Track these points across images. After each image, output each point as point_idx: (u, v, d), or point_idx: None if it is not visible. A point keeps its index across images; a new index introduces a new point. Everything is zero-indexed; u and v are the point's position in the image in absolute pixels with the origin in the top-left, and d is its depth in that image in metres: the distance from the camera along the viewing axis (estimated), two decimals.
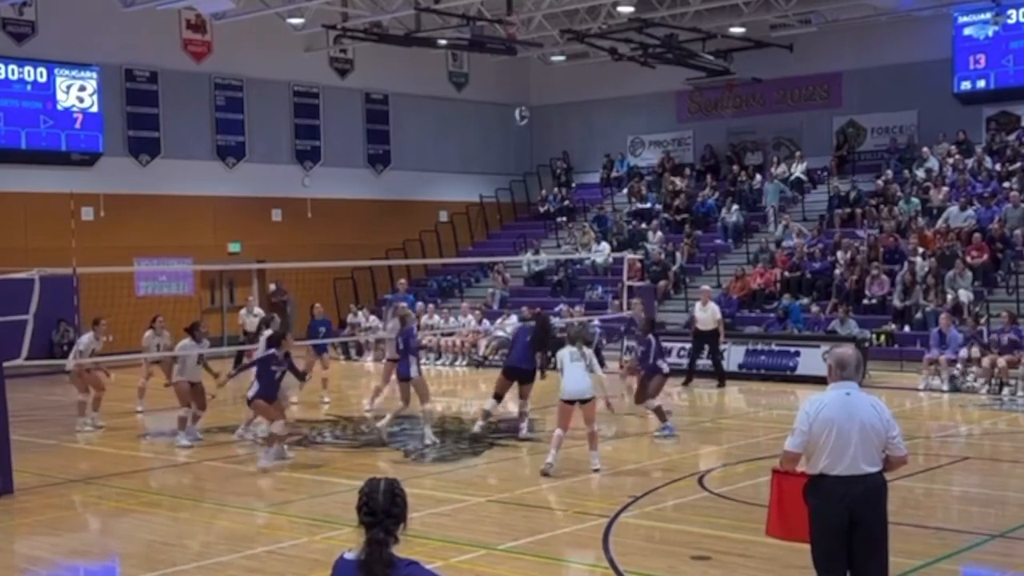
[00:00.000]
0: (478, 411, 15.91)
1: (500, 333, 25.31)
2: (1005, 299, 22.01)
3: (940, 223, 24.67)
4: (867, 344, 20.53)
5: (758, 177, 30.48)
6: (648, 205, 31.12)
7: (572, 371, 12.42)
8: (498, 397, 15.29)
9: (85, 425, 16.64)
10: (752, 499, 11.12)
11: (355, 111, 32.25)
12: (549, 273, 29.40)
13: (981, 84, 27.98)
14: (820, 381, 6.86)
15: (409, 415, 15.61)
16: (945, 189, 26.05)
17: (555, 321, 20.93)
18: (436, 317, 26.63)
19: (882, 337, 21.88)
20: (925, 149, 27.96)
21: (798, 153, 30.35)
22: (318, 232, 29.94)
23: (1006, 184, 25.55)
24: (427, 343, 25.72)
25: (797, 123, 31.29)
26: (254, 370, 13.66)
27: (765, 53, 29.86)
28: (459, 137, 34.11)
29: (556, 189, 34.14)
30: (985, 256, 22.85)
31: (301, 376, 14.70)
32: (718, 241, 28.61)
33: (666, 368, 15.43)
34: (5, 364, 12.64)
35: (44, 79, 26.20)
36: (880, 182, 27.73)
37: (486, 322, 25.90)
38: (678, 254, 27.71)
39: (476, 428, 15.17)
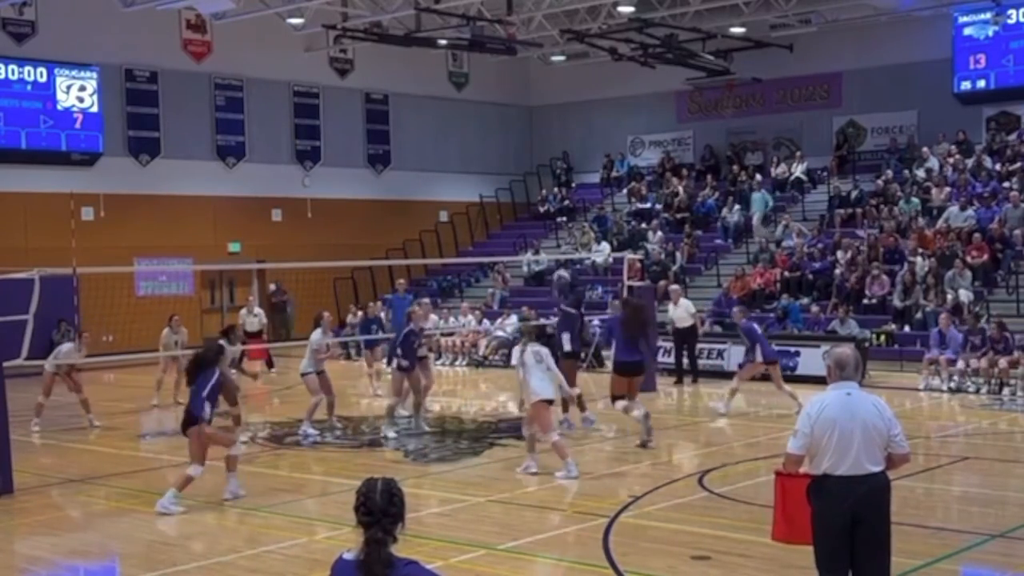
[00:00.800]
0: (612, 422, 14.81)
1: (500, 333, 25.33)
2: (1005, 299, 22.02)
3: (940, 223, 24.67)
4: (867, 344, 20.53)
5: (758, 177, 30.48)
6: (648, 205, 31.12)
7: (540, 371, 12.41)
8: (617, 399, 14.28)
9: (36, 426, 16.68)
10: (752, 499, 11.12)
11: (355, 111, 32.24)
12: (549, 273, 29.36)
13: (981, 84, 27.97)
14: (820, 381, 6.87)
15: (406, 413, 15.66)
16: (946, 189, 26.05)
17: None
18: (435, 317, 26.58)
19: (882, 337, 21.88)
20: (925, 149, 27.95)
21: (798, 153, 30.35)
22: (318, 232, 29.94)
23: (1006, 184, 25.56)
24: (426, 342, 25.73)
25: (797, 123, 31.29)
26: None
27: (765, 53, 29.86)
28: (459, 137, 34.11)
29: (556, 189, 34.14)
30: (985, 256, 22.84)
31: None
32: (718, 241, 28.61)
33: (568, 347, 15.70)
34: (5, 364, 12.65)
35: (44, 79, 26.20)
36: (880, 182, 27.73)
37: (486, 322, 25.91)
38: (678, 254, 27.70)
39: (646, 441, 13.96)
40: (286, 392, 21.51)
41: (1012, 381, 18.30)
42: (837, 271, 24.07)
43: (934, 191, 26.21)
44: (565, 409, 15.48)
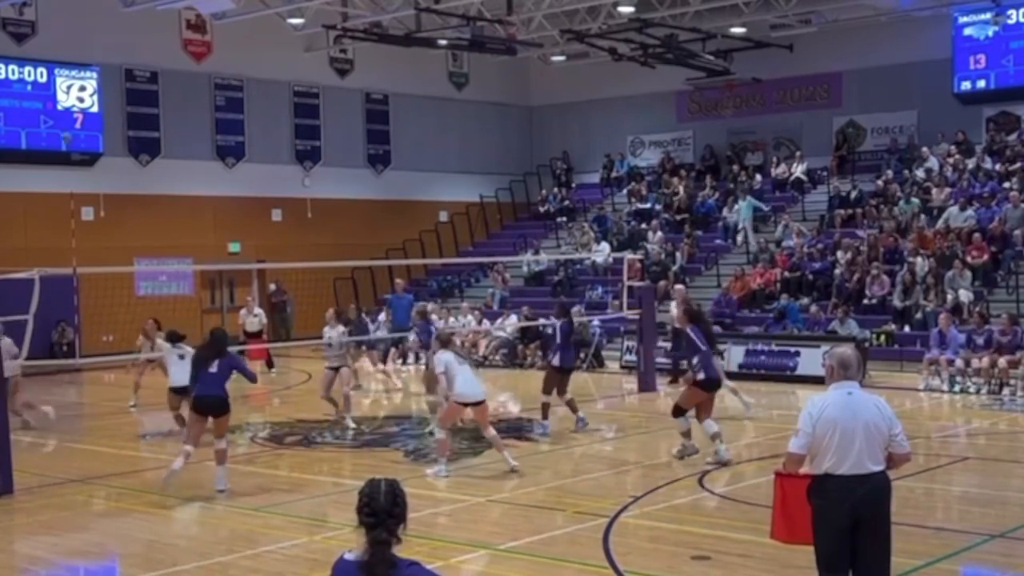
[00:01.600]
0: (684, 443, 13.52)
1: (500, 333, 25.33)
2: (1005, 299, 22.01)
3: (940, 223, 24.66)
4: (867, 344, 20.53)
5: (758, 177, 30.48)
6: (648, 205, 31.11)
7: (464, 373, 12.42)
8: (682, 412, 13.20)
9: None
10: (752, 499, 11.12)
11: (355, 111, 32.24)
12: (549, 273, 29.39)
13: (981, 84, 27.97)
14: (820, 381, 6.87)
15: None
16: (946, 189, 26.05)
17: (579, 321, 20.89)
18: (435, 317, 26.57)
19: (882, 337, 21.87)
20: (925, 149, 27.95)
21: (798, 153, 30.35)
22: (318, 232, 29.94)
23: (1006, 184, 25.55)
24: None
25: (797, 123, 31.29)
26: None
27: (765, 53, 29.86)
28: (459, 137, 34.11)
29: (556, 189, 34.14)
30: (985, 256, 22.84)
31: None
32: (718, 241, 28.61)
33: (554, 360, 15.59)
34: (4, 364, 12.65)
35: (44, 79, 26.20)
36: (880, 182, 27.73)
37: (486, 322, 25.91)
38: (678, 254, 27.70)
39: (720, 455, 12.92)
40: (286, 392, 21.52)
41: (1012, 381, 18.29)
42: (837, 271, 24.06)
43: (934, 191, 26.20)
44: (574, 409, 15.44)
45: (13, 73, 25.79)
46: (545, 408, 15.42)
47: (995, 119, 28.07)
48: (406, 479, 11.46)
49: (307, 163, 31.25)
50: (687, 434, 13.08)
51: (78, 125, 26.70)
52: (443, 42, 28.52)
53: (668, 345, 21.40)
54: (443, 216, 33.39)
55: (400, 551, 4.26)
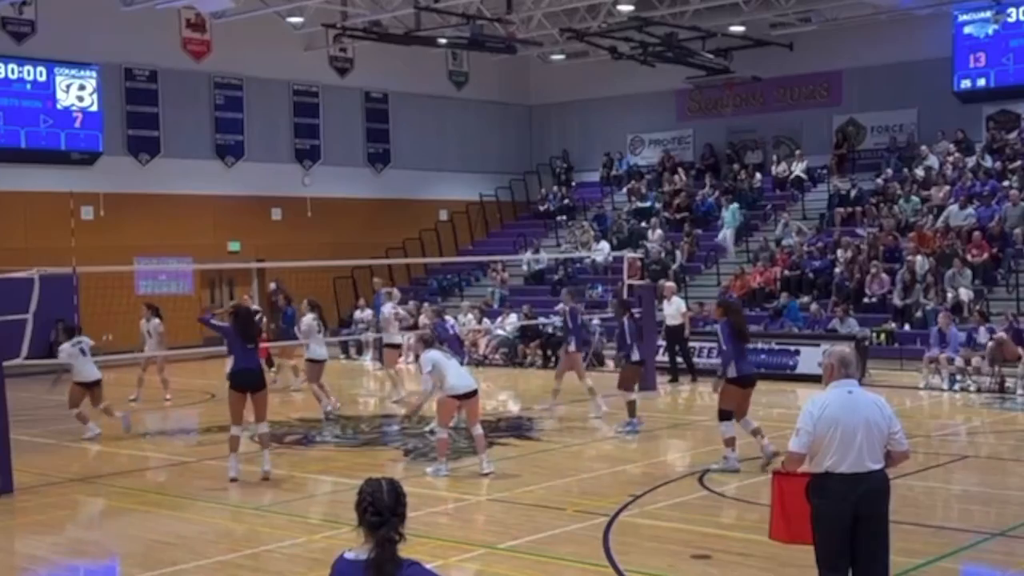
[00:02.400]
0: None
1: (500, 332, 25.33)
2: (1005, 297, 22.01)
3: (940, 222, 24.66)
4: (867, 343, 20.53)
5: (758, 175, 30.48)
6: (648, 204, 31.10)
7: (453, 366, 12.43)
8: (729, 415, 12.63)
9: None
10: (752, 498, 11.12)
11: (355, 110, 32.23)
12: (549, 272, 29.39)
13: (981, 82, 27.96)
14: (820, 380, 6.85)
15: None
16: (946, 188, 26.04)
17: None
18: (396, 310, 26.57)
19: (882, 336, 21.88)
20: (924, 147, 27.95)
21: (798, 152, 30.34)
22: (318, 231, 29.93)
23: (1006, 182, 25.55)
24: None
25: (797, 122, 31.29)
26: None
27: (765, 52, 29.85)
28: (459, 136, 34.10)
29: (556, 188, 34.13)
30: (985, 254, 22.84)
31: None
32: (718, 240, 28.60)
33: (636, 356, 15.41)
34: (5, 364, 12.64)
35: (44, 78, 26.19)
36: (880, 181, 27.72)
37: (486, 321, 25.90)
38: (678, 252, 27.69)
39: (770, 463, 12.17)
40: (285, 391, 21.48)
41: (1011, 380, 18.27)
42: (837, 270, 24.06)
43: (933, 190, 26.20)
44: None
45: (13, 72, 25.79)
46: (632, 406, 15.18)
47: (995, 117, 28.06)
48: (405, 478, 11.47)
49: (307, 162, 31.24)
50: (731, 443, 12.51)
51: (77, 124, 26.70)
52: (443, 41, 28.51)
53: (663, 344, 21.43)
54: (443, 215, 33.39)
55: (400, 551, 4.26)
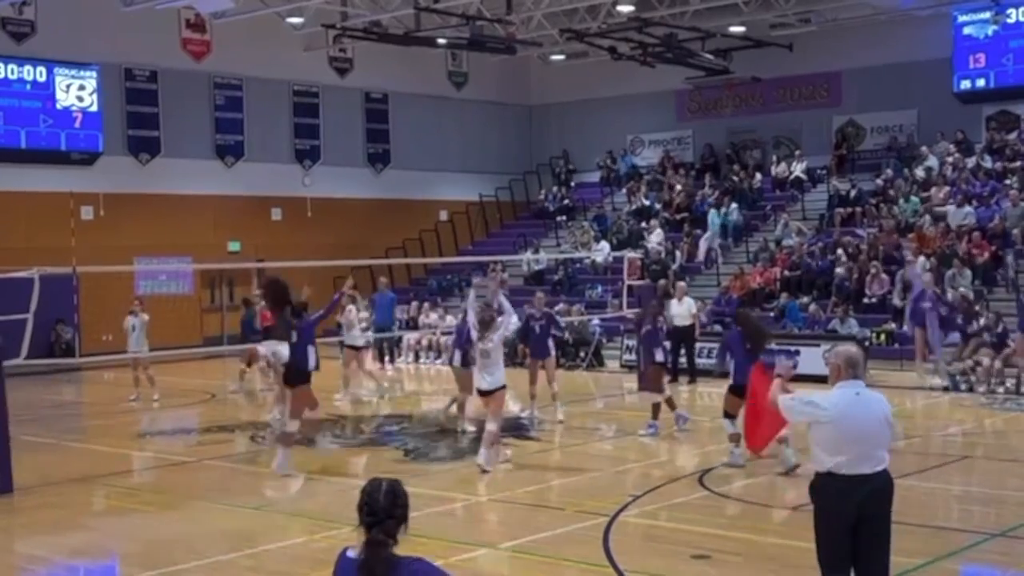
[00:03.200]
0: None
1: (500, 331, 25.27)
2: (1005, 297, 22.00)
3: (940, 222, 24.65)
4: (867, 343, 20.53)
5: (758, 176, 30.49)
6: (648, 204, 31.10)
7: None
8: (731, 416, 12.83)
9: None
10: (753, 498, 11.13)
11: (355, 110, 32.23)
12: (549, 272, 29.39)
13: (981, 83, 27.96)
14: (820, 380, 6.86)
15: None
16: (945, 188, 26.05)
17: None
18: (434, 315, 26.60)
19: (882, 336, 21.88)
20: (924, 148, 27.96)
21: (797, 152, 30.34)
22: (318, 231, 29.92)
23: (1007, 182, 25.56)
24: (426, 342, 25.75)
25: (797, 122, 31.28)
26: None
27: (765, 52, 29.85)
28: (459, 136, 34.10)
29: (556, 188, 34.13)
30: (986, 254, 22.83)
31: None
32: (718, 240, 28.58)
33: (659, 357, 15.17)
34: (5, 363, 12.64)
35: (44, 78, 26.18)
36: (880, 181, 27.73)
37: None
38: (677, 252, 27.68)
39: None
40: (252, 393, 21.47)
41: (1008, 381, 18.25)
42: (838, 270, 24.06)
43: (933, 190, 26.21)
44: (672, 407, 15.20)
45: (12, 72, 25.78)
46: (671, 402, 15.10)
47: (995, 118, 28.06)
48: (407, 478, 11.47)
49: (307, 162, 31.24)
50: (734, 438, 12.63)
51: (77, 124, 26.70)
52: (442, 41, 28.51)
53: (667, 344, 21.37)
54: (443, 215, 33.38)
55: (400, 551, 4.26)
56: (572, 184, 34.65)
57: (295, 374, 12.86)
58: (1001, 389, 18.24)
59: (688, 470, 12.84)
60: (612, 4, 27.04)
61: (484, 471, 12.47)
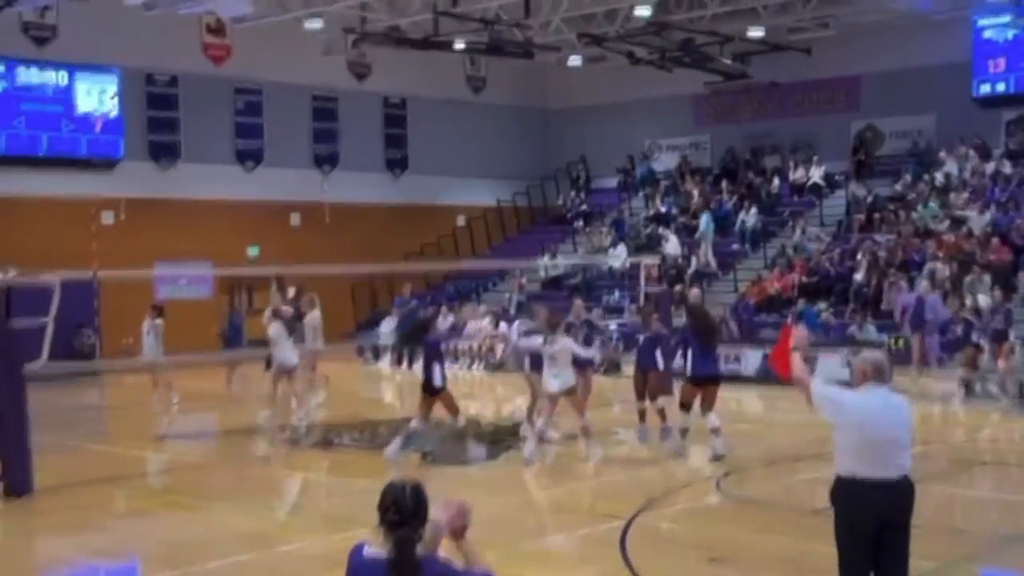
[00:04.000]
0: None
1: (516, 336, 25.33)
2: None
3: (961, 227, 24.54)
4: (888, 350, 20.45)
5: (776, 181, 30.43)
6: (665, 209, 31.07)
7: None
8: (686, 407, 13.77)
9: None
10: (770, 502, 11.13)
11: (373, 115, 32.33)
12: (566, 277, 29.40)
13: (1000, 87, 27.84)
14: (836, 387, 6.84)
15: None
16: (964, 194, 25.94)
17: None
18: (451, 319, 26.64)
19: (900, 342, 21.79)
20: (942, 153, 27.87)
21: (815, 157, 30.26)
22: (336, 236, 29.99)
23: None
24: (444, 347, 25.78)
25: (815, 127, 31.19)
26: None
27: (783, 56, 29.80)
28: (477, 141, 34.14)
29: (573, 193, 34.14)
30: (1007, 258, 22.70)
31: None
32: (736, 246, 28.56)
33: (661, 364, 15.05)
34: (26, 367, 12.75)
35: (65, 83, 26.35)
36: (898, 187, 27.63)
37: (503, 326, 25.90)
38: (693, 258, 27.63)
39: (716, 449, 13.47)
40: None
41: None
42: (856, 276, 23.97)
43: (952, 195, 26.11)
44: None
45: (34, 77, 25.95)
46: (663, 413, 14.80)
47: (1015, 122, 27.93)
48: (422, 481, 11.50)
49: (325, 167, 31.35)
50: (684, 433, 13.73)
51: (98, 129, 26.85)
52: (461, 46, 28.56)
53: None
54: (461, 220, 33.43)
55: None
56: (590, 189, 34.64)
57: (427, 388, 13.69)
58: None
59: (706, 473, 12.83)
60: (630, 8, 27.04)
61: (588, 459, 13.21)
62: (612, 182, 34.17)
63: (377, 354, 27.22)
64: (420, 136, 33.05)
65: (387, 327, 26.97)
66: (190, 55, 28.33)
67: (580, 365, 13.96)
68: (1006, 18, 27.24)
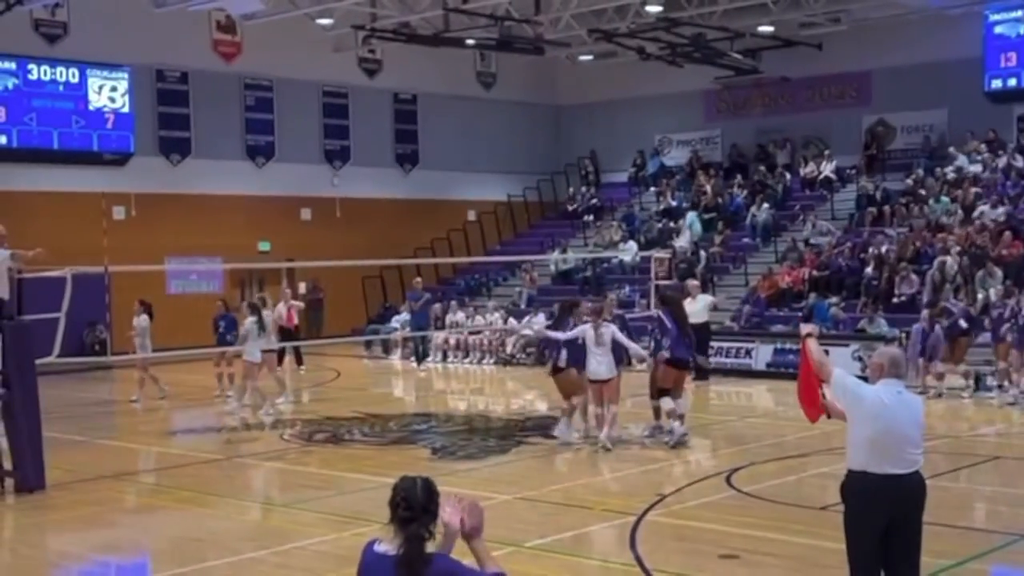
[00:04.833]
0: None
1: (527, 332, 25.32)
2: None
3: (971, 221, 24.46)
4: (898, 344, 20.39)
5: (787, 175, 30.37)
6: (676, 203, 31.03)
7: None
8: (667, 392, 14.23)
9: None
10: (780, 497, 11.11)
11: (384, 111, 32.35)
12: (577, 271, 29.38)
13: (1012, 83, 27.73)
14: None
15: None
16: (975, 189, 25.85)
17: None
18: (461, 315, 26.67)
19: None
20: (951, 149, 27.79)
21: (827, 152, 30.20)
22: (347, 231, 30.05)
23: None
24: (454, 341, 25.82)
25: (826, 122, 31.12)
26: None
27: (794, 52, 29.73)
28: (487, 136, 34.14)
29: (584, 188, 34.13)
30: (1017, 252, 22.60)
31: None
32: (746, 240, 28.52)
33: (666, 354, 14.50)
34: (38, 362, 12.80)
35: (76, 79, 26.42)
36: (910, 181, 27.56)
37: (512, 320, 25.92)
38: (702, 253, 27.56)
39: (675, 432, 14.04)
40: (315, 389, 21.63)
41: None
42: (867, 270, 23.92)
43: (963, 190, 26.02)
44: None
45: (45, 74, 26.03)
46: (656, 410, 14.75)
47: None
48: (432, 476, 11.51)
49: (336, 163, 31.39)
50: (673, 414, 14.05)
51: (109, 125, 26.92)
52: (471, 42, 28.57)
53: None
54: (471, 215, 33.45)
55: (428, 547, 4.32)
56: (600, 184, 34.62)
57: (554, 368, 14.43)
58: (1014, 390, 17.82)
59: (716, 469, 12.82)
60: (640, 4, 27.01)
61: (607, 449, 13.58)
62: (622, 177, 34.16)
63: (387, 349, 27.23)
64: (430, 131, 33.06)
65: (399, 321, 26.95)
66: (201, 52, 28.37)
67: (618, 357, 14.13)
68: (1018, 13, 27.12)
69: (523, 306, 27.66)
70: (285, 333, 23.71)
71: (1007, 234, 23.05)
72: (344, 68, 31.02)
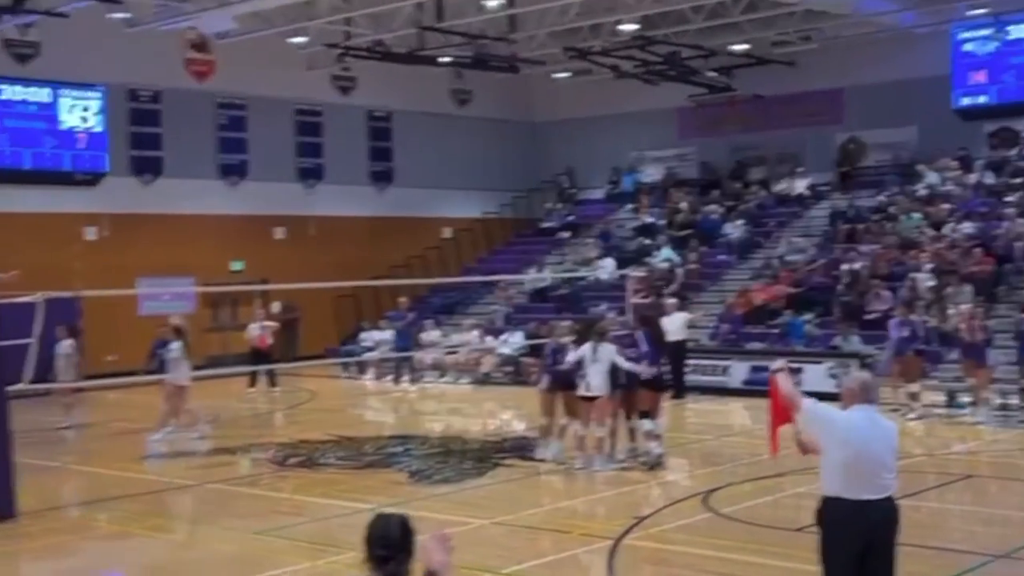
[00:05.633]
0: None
1: (504, 350, 25.31)
2: (1007, 314, 21.94)
3: (942, 238, 24.62)
4: (869, 360, 20.48)
5: (762, 192, 30.50)
6: (652, 220, 31.09)
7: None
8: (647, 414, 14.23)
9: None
10: (758, 519, 11.11)
11: (358, 129, 32.29)
12: (553, 289, 29.38)
13: (982, 100, 27.98)
14: (823, 398, 6.88)
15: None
16: (945, 206, 26.04)
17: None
18: (435, 334, 26.61)
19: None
20: (920, 166, 28.00)
21: (800, 169, 30.37)
22: (321, 250, 29.93)
23: (1008, 198, 25.55)
24: (429, 360, 25.75)
25: (800, 139, 31.29)
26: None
27: (767, 70, 29.90)
28: (462, 154, 34.13)
29: (559, 205, 34.16)
30: (988, 268, 22.76)
31: None
32: (721, 257, 28.60)
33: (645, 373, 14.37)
34: (8, 388, 12.65)
35: (48, 99, 26.25)
36: (882, 197, 27.74)
37: (489, 339, 25.89)
38: (678, 270, 27.61)
39: (651, 452, 14.19)
40: (289, 412, 21.51)
41: (1010, 398, 18.13)
42: (839, 287, 24.03)
43: (934, 207, 26.20)
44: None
45: (17, 94, 25.85)
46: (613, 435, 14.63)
47: (996, 134, 28.08)
48: (407, 501, 11.47)
49: (310, 181, 31.29)
50: (652, 436, 14.03)
51: (82, 145, 26.76)
52: (446, 60, 28.57)
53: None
54: (447, 233, 33.41)
55: None
56: (576, 200, 34.66)
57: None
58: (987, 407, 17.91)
59: (693, 490, 12.81)
60: (615, 23, 27.12)
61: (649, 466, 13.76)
62: (598, 194, 34.23)
63: (362, 369, 27.12)
64: (405, 149, 33.02)
65: (372, 340, 26.81)
66: (173, 71, 28.20)
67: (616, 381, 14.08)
68: (986, 31, 27.38)
69: (499, 324, 27.63)
70: (258, 355, 23.67)
71: (977, 250, 23.23)
72: (318, 86, 30.96)
